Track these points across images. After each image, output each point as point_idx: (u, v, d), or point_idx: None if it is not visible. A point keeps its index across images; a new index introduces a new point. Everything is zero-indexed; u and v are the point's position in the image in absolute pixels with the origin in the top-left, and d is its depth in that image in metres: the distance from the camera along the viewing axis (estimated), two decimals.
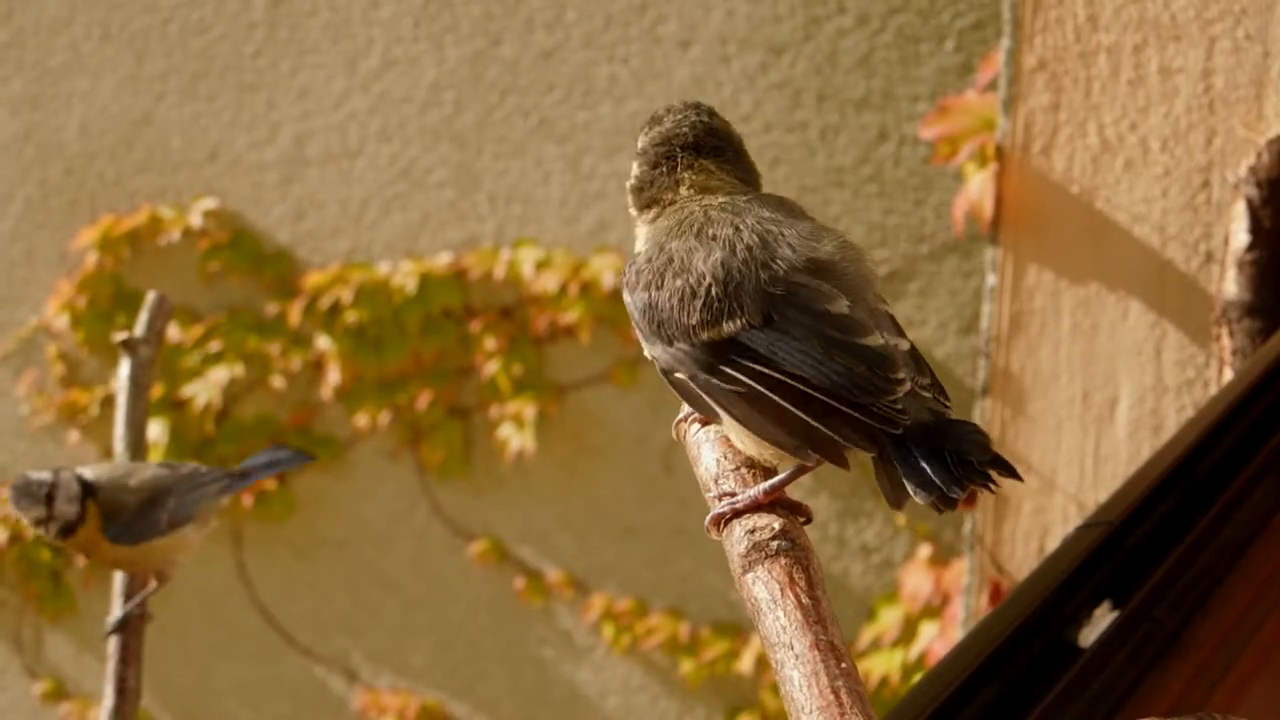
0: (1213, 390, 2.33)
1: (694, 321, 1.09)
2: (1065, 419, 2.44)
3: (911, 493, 1.03)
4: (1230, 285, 2.33)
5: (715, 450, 1.18)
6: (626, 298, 1.15)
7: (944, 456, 1.03)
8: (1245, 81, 2.32)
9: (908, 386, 1.06)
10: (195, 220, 3.65)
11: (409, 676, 3.72)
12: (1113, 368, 2.42)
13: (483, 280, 3.49)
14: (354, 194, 3.57)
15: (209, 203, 3.66)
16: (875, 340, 1.08)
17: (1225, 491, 1.74)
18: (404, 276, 3.52)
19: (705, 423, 1.19)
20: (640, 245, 1.18)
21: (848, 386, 1.05)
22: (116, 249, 3.71)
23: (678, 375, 1.12)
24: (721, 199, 1.17)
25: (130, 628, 1.83)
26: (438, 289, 3.51)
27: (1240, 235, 2.32)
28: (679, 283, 1.11)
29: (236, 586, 3.78)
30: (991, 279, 2.48)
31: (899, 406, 1.05)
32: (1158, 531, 1.64)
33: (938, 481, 1.02)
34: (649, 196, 1.20)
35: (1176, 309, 2.39)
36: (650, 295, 1.12)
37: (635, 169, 1.21)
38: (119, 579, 1.87)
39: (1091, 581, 1.55)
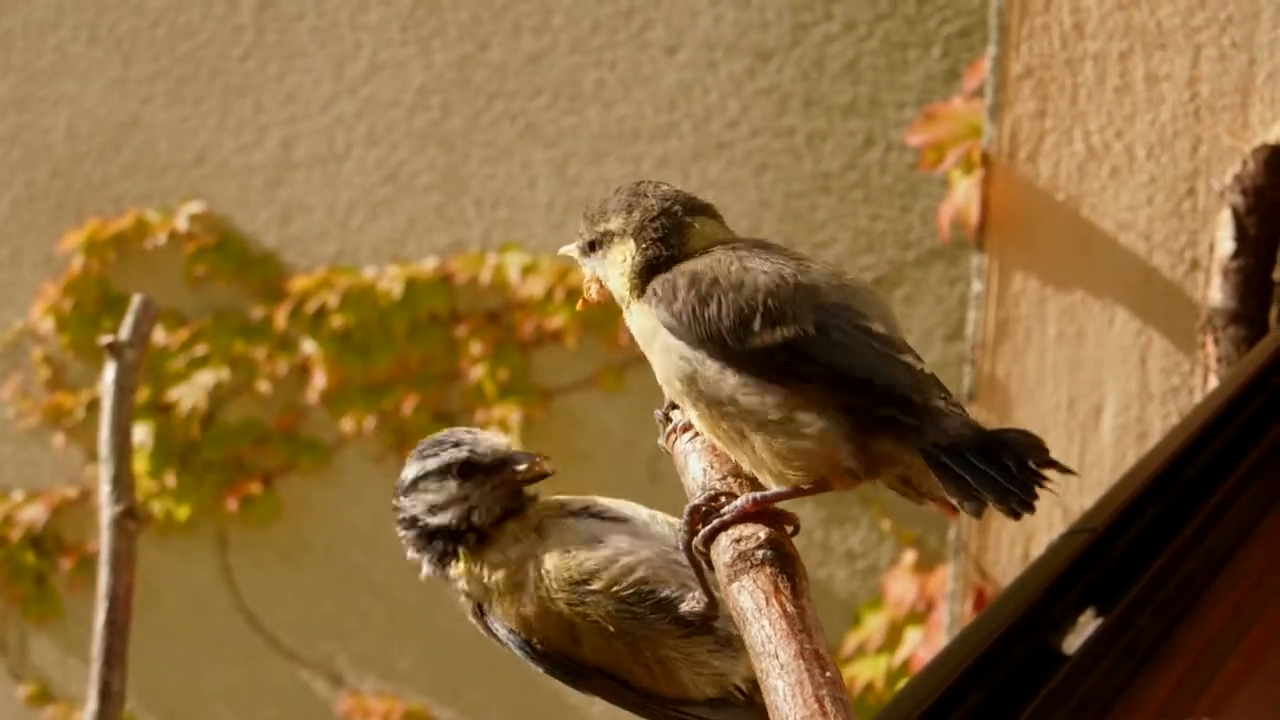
0: (1198, 397, 2.33)
1: (752, 328, 1.10)
2: (1051, 425, 2.45)
3: (991, 502, 1.04)
4: (1215, 293, 2.33)
5: (702, 460, 1.18)
6: (661, 312, 1.14)
7: (1005, 464, 1.05)
8: (1231, 89, 2.32)
9: (945, 400, 1.09)
10: (181, 224, 3.64)
11: (395, 681, 3.71)
12: (1098, 374, 2.42)
13: (469, 285, 3.49)
14: (341, 198, 3.57)
15: (195, 206, 3.65)
16: (913, 361, 1.11)
17: (1210, 499, 1.74)
18: (390, 281, 3.52)
19: (691, 430, 1.19)
20: (643, 318, 1.17)
21: (903, 384, 1.08)
22: (103, 252, 3.71)
23: (742, 389, 1.11)
24: (741, 245, 1.17)
25: (115, 630, 1.82)
26: (424, 293, 3.51)
27: (1225, 243, 2.33)
28: (730, 297, 1.12)
29: (222, 590, 3.78)
30: (977, 285, 2.49)
31: (949, 402, 1.08)
32: (1142, 538, 1.65)
33: (1012, 488, 1.04)
34: (657, 263, 1.18)
35: (1162, 316, 2.39)
36: (696, 309, 1.12)
37: (636, 250, 1.19)
38: (103, 583, 1.86)
39: (1076, 588, 1.55)
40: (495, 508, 1.25)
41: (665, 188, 1.21)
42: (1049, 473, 1.07)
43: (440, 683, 3.69)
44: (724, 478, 1.16)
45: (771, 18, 3.22)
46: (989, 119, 2.47)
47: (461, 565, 1.25)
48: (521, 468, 1.24)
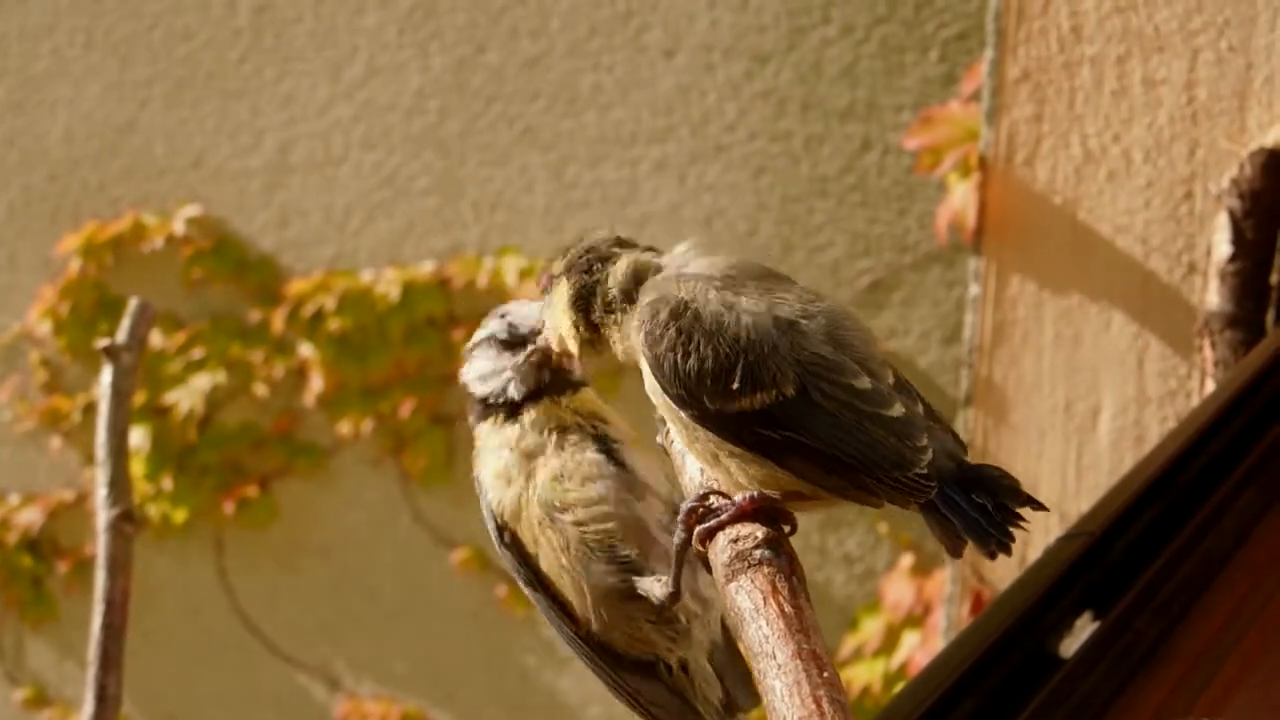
0: (1195, 401, 2.33)
1: (732, 389, 1.10)
2: (1048, 429, 2.45)
3: (971, 542, 1.07)
4: (1213, 296, 2.33)
5: (699, 460, 1.18)
6: (645, 351, 1.14)
7: (982, 504, 1.07)
8: (1228, 93, 2.32)
9: (930, 455, 1.09)
10: (179, 227, 3.64)
11: (391, 684, 3.71)
12: (1095, 378, 2.42)
13: (466, 288, 3.49)
14: (338, 201, 3.57)
15: (192, 210, 3.65)
16: (897, 410, 1.10)
17: (1207, 502, 1.74)
18: (387, 284, 3.52)
19: None
20: (621, 345, 1.18)
21: (879, 459, 1.08)
22: (100, 255, 3.71)
23: (714, 436, 1.12)
24: (702, 260, 1.17)
25: (111, 633, 1.82)
26: (421, 297, 3.51)
27: (1223, 247, 2.33)
28: (711, 349, 1.11)
29: (218, 594, 3.78)
30: (974, 289, 2.49)
31: (926, 473, 1.08)
32: (1140, 542, 1.65)
33: (991, 531, 1.06)
34: (590, 293, 1.20)
35: (1159, 320, 2.39)
36: (678, 361, 1.12)
37: (568, 286, 1.21)
38: (100, 587, 1.86)
39: (1073, 592, 1.55)
40: (530, 379, 1.26)
41: (602, 233, 1.23)
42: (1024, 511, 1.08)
43: (437, 685, 3.69)
44: None
45: (769, 21, 3.22)
46: (986, 123, 2.47)
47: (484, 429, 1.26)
48: (540, 339, 1.26)
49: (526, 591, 1.24)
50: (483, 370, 1.29)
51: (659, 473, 1.26)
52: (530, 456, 1.24)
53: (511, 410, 1.27)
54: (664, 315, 1.13)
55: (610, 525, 1.21)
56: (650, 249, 1.22)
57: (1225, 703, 1.46)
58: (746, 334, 1.11)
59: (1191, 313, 2.37)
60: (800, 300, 1.13)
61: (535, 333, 1.27)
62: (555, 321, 1.22)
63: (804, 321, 1.11)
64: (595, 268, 1.20)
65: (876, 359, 1.13)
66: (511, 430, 1.25)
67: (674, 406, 1.13)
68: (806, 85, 3.22)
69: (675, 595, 1.18)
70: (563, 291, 1.21)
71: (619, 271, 1.18)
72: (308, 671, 3.76)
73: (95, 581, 1.87)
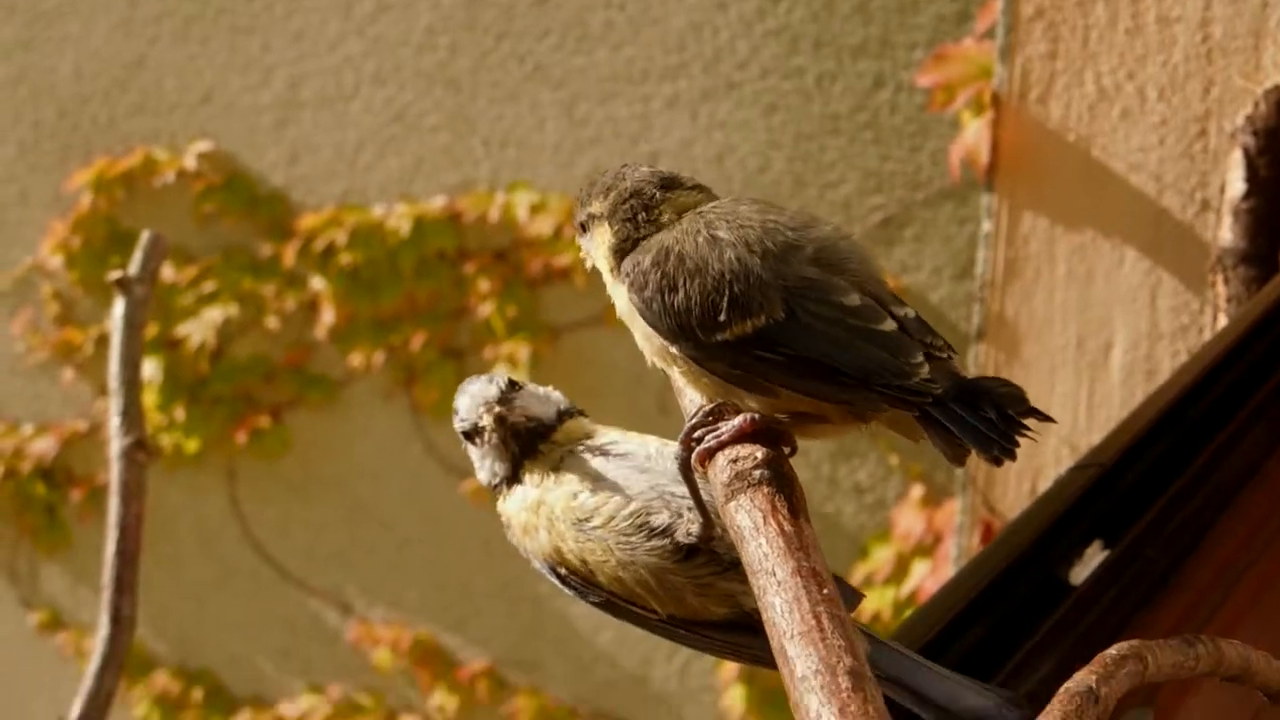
0: (1207, 337, 2.33)
1: (720, 319, 1.11)
2: (1059, 364, 2.45)
3: (973, 449, 1.06)
4: (1226, 233, 2.33)
5: (704, 395, 1.19)
6: (634, 298, 1.15)
7: (985, 413, 1.06)
8: (1243, 31, 2.32)
9: (925, 370, 1.09)
10: (190, 162, 3.64)
11: (402, 609, 3.73)
12: (1107, 314, 2.43)
13: (477, 223, 3.49)
14: (349, 137, 3.57)
15: (203, 145, 3.65)
16: (890, 326, 1.11)
17: (1218, 436, 1.74)
18: (398, 219, 3.52)
19: None
20: (621, 298, 1.18)
21: (874, 371, 1.08)
22: (111, 190, 3.71)
23: (714, 365, 1.13)
24: (710, 204, 1.18)
25: (125, 558, 1.83)
26: (432, 231, 3.51)
27: (1236, 184, 2.33)
28: (697, 283, 1.12)
29: (231, 523, 3.79)
30: (987, 225, 2.49)
31: (929, 377, 1.08)
32: (1150, 474, 1.65)
33: (994, 436, 1.05)
34: (633, 242, 1.20)
35: (1172, 256, 2.39)
36: (664, 298, 1.13)
37: (611, 231, 1.21)
38: (113, 513, 1.87)
39: (1083, 521, 1.56)
40: (504, 457, 1.27)
41: (645, 170, 1.22)
42: (1029, 421, 1.08)
43: (448, 611, 3.71)
44: (720, 399, 1.17)
45: None
46: (1000, 60, 2.46)
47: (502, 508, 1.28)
48: (487, 417, 1.27)
49: (609, 614, 1.26)
50: (474, 464, 1.32)
51: (651, 443, 1.27)
52: (540, 503, 1.25)
53: (511, 482, 1.29)
54: (647, 263, 1.15)
55: (634, 505, 1.21)
56: (696, 188, 1.22)
57: (1234, 631, 1.47)
58: (729, 265, 1.11)
59: (1204, 249, 2.37)
60: (793, 227, 1.14)
61: (488, 410, 1.28)
62: (596, 259, 1.22)
63: (792, 247, 1.12)
64: (640, 218, 1.20)
65: (876, 280, 1.14)
66: (520, 493, 1.27)
67: (669, 346, 1.13)
68: (819, 22, 3.21)
69: (707, 524, 1.18)
70: (604, 235, 1.21)
71: (665, 223, 1.19)
72: (320, 596, 3.78)
73: (109, 508, 1.88)
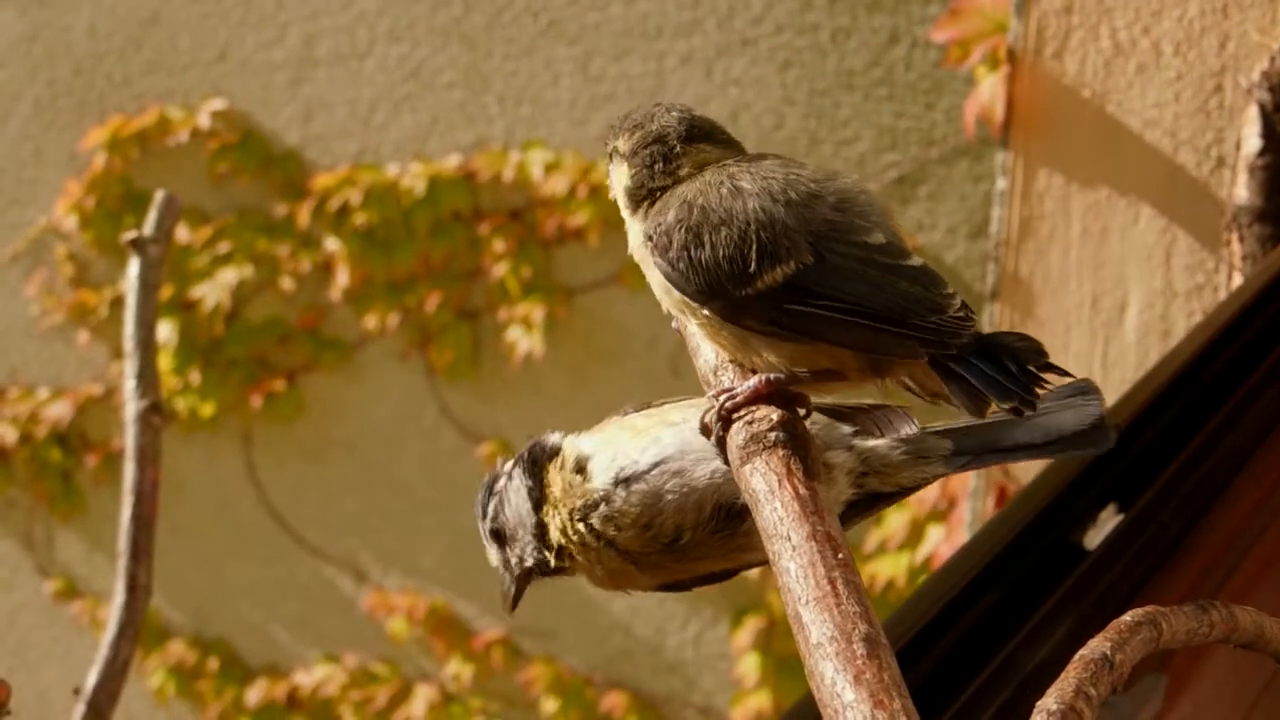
0: (1222, 296, 2.32)
1: (750, 270, 1.10)
2: (1074, 323, 2.44)
3: (993, 400, 1.06)
4: (1241, 190, 2.32)
5: (726, 350, 1.18)
6: (658, 260, 1.14)
7: (1005, 365, 1.07)
8: None
9: (959, 300, 1.09)
10: (204, 121, 3.64)
11: (418, 577, 3.74)
12: (1122, 272, 2.42)
13: (491, 182, 3.49)
14: (363, 95, 3.56)
15: (218, 103, 3.65)
16: (916, 260, 1.11)
17: (1232, 397, 1.74)
18: (413, 178, 3.52)
19: None
20: (640, 226, 1.18)
21: (910, 307, 1.08)
22: (125, 149, 3.71)
23: (746, 322, 1.12)
24: (733, 160, 1.17)
25: (141, 524, 1.83)
26: (447, 191, 3.51)
27: (1252, 140, 2.31)
28: (723, 235, 1.11)
29: (246, 488, 3.80)
30: (1002, 183, 2.48)
31: (962, 315, 1.08)
32: (1164, 436, 1.65)
33: (1014, 388, 1.06)
34: (648, 190, 1.20)
35: (1187, 214, 2.38)
36: (691, 254, 1.12)
37: (629, 174, 1.21)
38: (129, 478, 1.87)
39: (1097, 485, 1.55)
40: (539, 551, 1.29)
41: (675, 114, 1.22)
42: (1048, 376, 1.08)
43: (462, 577, 3.72)
44: (735, 360, 1.16)
45: None
46: (1015, 15, 2.45)
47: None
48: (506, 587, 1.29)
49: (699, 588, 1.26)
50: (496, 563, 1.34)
51: (685, 432, 1.25)
52: (590, 565, 1.26)
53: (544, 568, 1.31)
54: (670, 219, 1.14)
55: (696, 498, 1.20)
56: (726, 143, 1.21)
57: (1247, 596, 1.47)
58: (755, 215, 1.11)
59: (1220, 207, 2.36)
60: (815, 180, 1.14)
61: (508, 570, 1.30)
62: (616, 193, 1.22)
63: (814, 196, 1.12)
64: (657, 167, 1.20)
65: (893, 226, 1.14)
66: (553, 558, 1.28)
67: (695, 304, 1.13)
68: None
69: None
70: (622, 174, 1.21)
71: (683, 178, 1.19)
72: (335, 564, 3.79)
73: (124, 473, 1.88)
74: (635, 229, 1.19)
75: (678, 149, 1.20)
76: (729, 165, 1.16)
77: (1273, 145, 2.30)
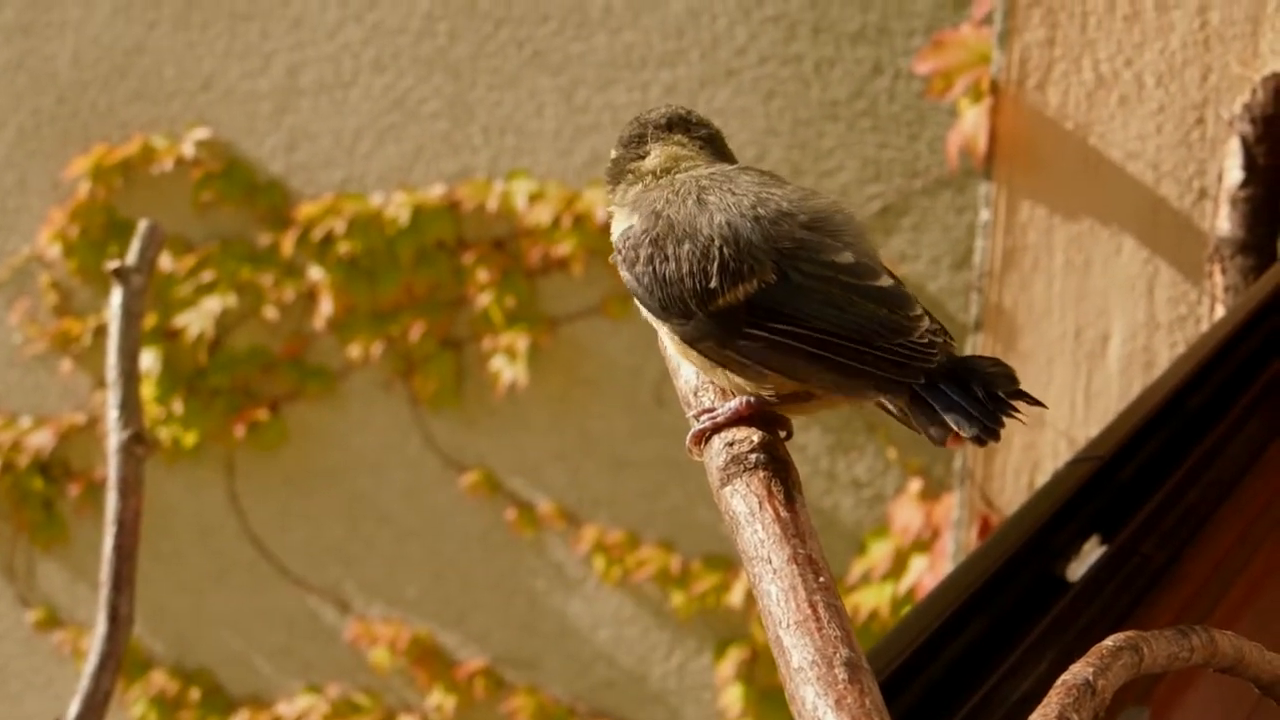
0: (1204, 327, 2.33)
1: (710, 287, 1.09)
2: (1057, 354, 2.45)
3: (955, 427, 1.04)
4: (1224, 222, 2.33)
5: (697, 366, 1.18)
6: (625, 274, 1.13)
7: (973, 391, 1.04)
8: (1241, 18, 2.31)
9: (927, 322, 1.07)
10: (188, 150, 3.64)
11: (401, 607, 3.73)
12: (1105, 304, 2.42)
13: (476, 212, 3.49)
14: (347, 125, 3.56)
15: (202, 132, 3.65)
16: (886, 281, 1.09)
17: (1215, 427, 1.74)
18: (397, 208, 3.52)
19: None
20: (618, 226, 1.18)
21: (874, 330, 1.06)
22: (109, 178, 3.71)
23: (704, 345, 1.11)
24: (709, 169, 1.17)
25: (123, 555, 1.83)
26: (431, 220, 3.51)
27: (1234, 172, 2.32)
28: (686, 249, 1.10)
29: (229, 516, 3.79)
30: (985, 214, 2.48)
31: (927, 340, 1.06)
32: (1148, 467, 1.65)
33: (978, 415, 1.03)
34: (618, 170, 1.21)
35: (1169, 245, 2.39)
36: (656, 268, 1.11)
37: (612, 153, 1.23)
38: (111, 508, 1.86)
39: (1081, 516, 1.55)
40: None
41: (666, 107, 1.24)
42: (1019, 404, 1.06)
43: (446, 608, 3.71)
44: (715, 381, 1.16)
45: None
46: (998, 46, 2.46)
47: None
48: None
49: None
50: None
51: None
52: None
53: None
54: (638, 230, 1.14)
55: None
56: (703, 138, 1.21)
57: (1232, 625, 1.47)
58: (720, 230, 1.10)
59: (1202, 239, 2.36)
60: (789, 198, 1.13)
61: None
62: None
63: (784, 214, 1.11)
64: (631, 146, 1.21)
65: (866, 246, 1.13)
66: None
67: (660, 319, 1.13)
68: (817, 9, 3.21)
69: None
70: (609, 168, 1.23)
71: (647, 165, 1.19)
72: (318, 594, 3.78)
73: (107, 503, 1.87)
74: (617, 212, 1.19)
75: (649, 133, 1.21)
76: (702, 175, 1.16)
77: (1255, 177, 2.31)
